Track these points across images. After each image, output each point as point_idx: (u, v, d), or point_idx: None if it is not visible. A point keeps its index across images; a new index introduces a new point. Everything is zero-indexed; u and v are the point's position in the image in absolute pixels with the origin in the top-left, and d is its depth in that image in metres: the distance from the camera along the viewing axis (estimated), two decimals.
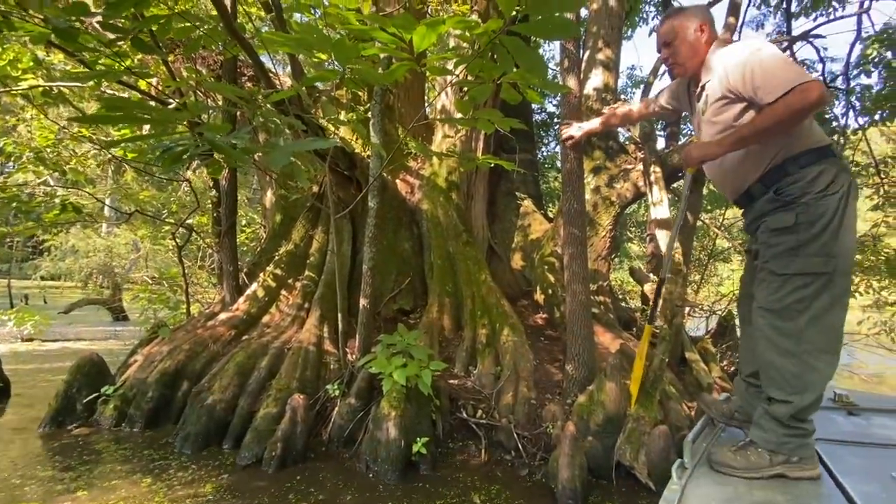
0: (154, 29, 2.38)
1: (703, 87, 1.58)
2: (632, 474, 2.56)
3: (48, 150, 4.05)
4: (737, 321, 4.41)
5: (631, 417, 2.67)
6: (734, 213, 7.52)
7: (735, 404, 1.75)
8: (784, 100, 1.29)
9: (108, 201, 8.82)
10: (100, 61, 2.92)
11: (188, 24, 2.48)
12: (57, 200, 4.09)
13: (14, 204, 3.59)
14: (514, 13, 1.44)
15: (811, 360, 1.35)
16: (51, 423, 3.12)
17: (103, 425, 3.16)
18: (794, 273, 1.36)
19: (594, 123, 2.42)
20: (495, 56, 1.80)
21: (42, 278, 17.43)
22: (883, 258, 6.88)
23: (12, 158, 5.09)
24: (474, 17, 4.60)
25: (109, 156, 4.11)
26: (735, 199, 1.61)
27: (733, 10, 3.87)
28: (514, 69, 1.83)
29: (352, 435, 2.94)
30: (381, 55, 2.51)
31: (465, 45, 4.68)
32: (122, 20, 2.49)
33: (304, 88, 3.02)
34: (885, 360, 7.12)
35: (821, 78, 7.84)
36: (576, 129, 2.65)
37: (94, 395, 3.25)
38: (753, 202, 1.51)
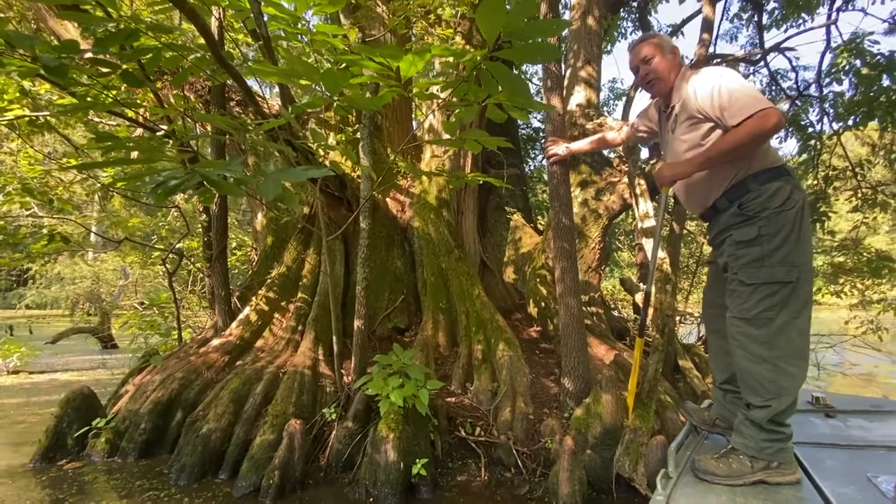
0: (144, 61, 2.40)
1: (672, 108, 1.70)
2: (632, 486, 2.57)
3: (35, 179, 4.03)
4: None
5: (628, 429, 2.69)
6: None
7: (715, 411, 1.80)
8: (746, 124, 1.41)
9: (94, 227, 8.73)
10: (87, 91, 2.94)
11: (176, 55, 2.52)
12: (45, 230, 4.05)
13: (1, 237, 3.55)
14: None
15: (784, 365, 1.43)
16: (41, 459, 3.05)
17: (95, 459, 3.09)
18: (761, 282, 1.45)
19: (582, 145, 2.50)
20: (480, 80, 1.87)
21: (27, 307, 17.09)
22: (865, 258, 7.05)
23: None
24: (458, 38, 4.71)
25: (99, 184, 4.09)
26: (701, 214, 1.71)
27: (707, 26, 4.02)
28: (499, 90, 1.90)
29: (350, 459, 2.91)
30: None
31: (450, 69, 4.79)
32: (112, 53, 2.52)
33: (293, 115, 3.06)
34: (875, 360, 7.23)
35: (795, 86, 8.13)
36: (561, 148, 2.72)
37: (85, 429, 3.19)
38: (718, 216, 1.61)
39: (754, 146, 1.45)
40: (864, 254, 7.17)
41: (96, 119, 5.65)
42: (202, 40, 2.81)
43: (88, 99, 2.95)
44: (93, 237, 9.59)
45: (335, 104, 2.37)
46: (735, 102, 1.44)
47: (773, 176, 1.48)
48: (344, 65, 2.37)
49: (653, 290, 2.55)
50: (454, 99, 2.07)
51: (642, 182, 3.75)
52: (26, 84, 4.56)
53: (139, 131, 4.86)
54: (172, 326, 5.15)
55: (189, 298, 7.24)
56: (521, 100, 1.93)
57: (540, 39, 1.62)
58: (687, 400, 3.46)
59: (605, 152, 4.88)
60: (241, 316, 4.13)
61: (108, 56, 2.47)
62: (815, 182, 7.74)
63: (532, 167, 10.36)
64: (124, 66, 2.40)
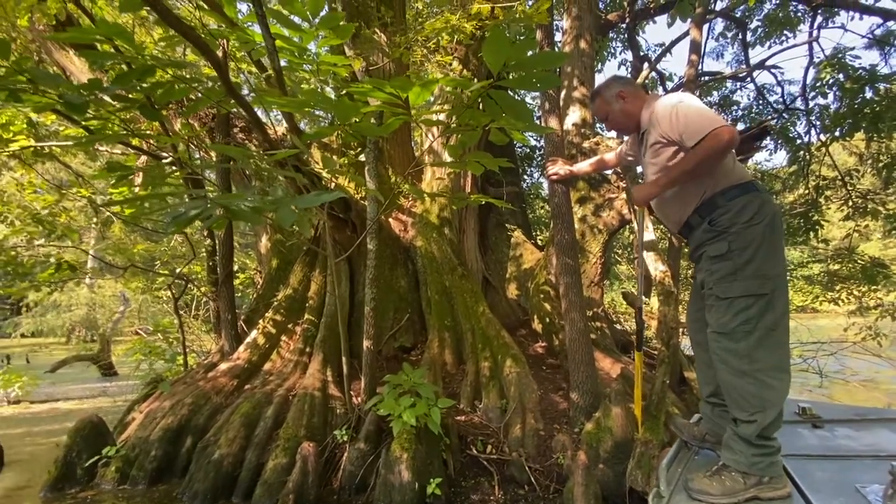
0: (159, 93, 2.49)
1: (643, 135, 1.82)
2: (645, 499, 2.58)
3: (44, 209, 4.09)
4: None
5: (639, 442, 2.71)
6: None
7: (705, 426, 1.82)
8: (701, 144, 1.51)
9: (91, 253, 8.73)
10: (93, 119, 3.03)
11: (187, 87, 2.62)
12: (52, 259, 4.09)
13: (10, 267, 3.59)
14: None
15: (765, 378, 1.46)
16: (51, 489, 3.02)
17: (105, 488, 3.07)
18: (736, 296, 1.50)
19: (583, 166, 2.62)
20: (483, 106, 1.98)
21: (22, 336, 16.90)
22: (859, 265, 7.17)
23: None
24: (455, 63, 4.87)
25: (107, 213, 4.15)
26: (678, 230, 1.80)
27: (695, 48, 4.19)
28: (502, 115, 2.00)
29: (363, 481, 2.91)
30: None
31: (450, 94, 4.95)
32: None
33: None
34: (875, 365, 7.27)
35: (781, 100, 8.36)
36: (563, 169, 2.82)
37: (95, 458, 3.17)
38: (693, 232, 1.69)
39: (712, 163, 1.54)
40: (859, 261, 7.29)
41: (101, 148, 5.74)
42: (206, 69, 2.88)
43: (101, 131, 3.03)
44: (91, 262, 9.58)
45: (346, 133, 2.46)
46: (690, 125, 1.55)
47: (741, 191, 1.55)
48: (344, 91, 2.46)
49: (643, 305, 2.61)
50: (456, 124, 2.18)
51: None
52: (33, 116, 4.65)
53: (143, 158, 4.95)
54: (177, 352, 5.15)
55: (191, 323, 7.23)
56: (524, 124, 2.04)
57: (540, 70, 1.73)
58: (694, 411, 3.49)
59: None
60: (248, 339, 4.15)
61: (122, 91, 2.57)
62: (807, 191, 7.92)
63: (529, 184, 10.52)
64: (141, 101, 2.49)
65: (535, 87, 2.00)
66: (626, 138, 2.22)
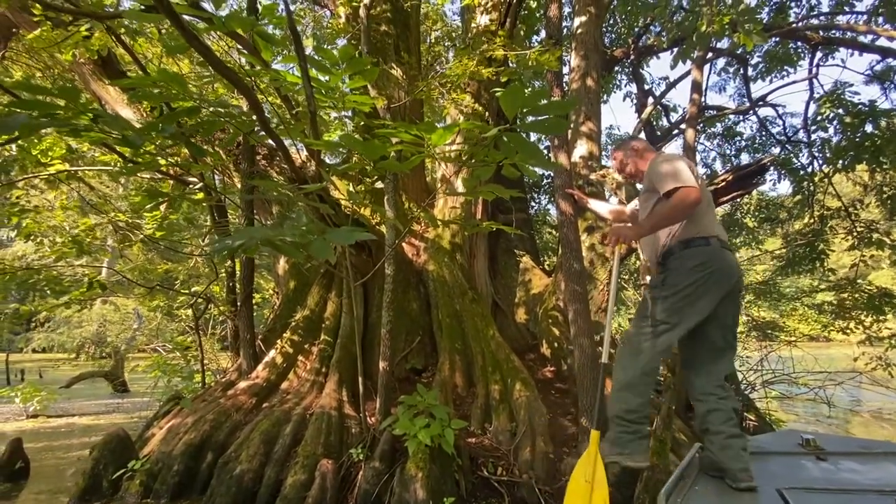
0: (203, 129, 2.72)
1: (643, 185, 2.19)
2: None
3: (82, 231, 4.34)
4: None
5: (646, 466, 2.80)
6: None
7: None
8: (669, 200, 1.86)
9: (104, 270, 8.98)
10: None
11: (223, 120, 2.86)
12: (86, 278, 4.31)
13: (49, 286, 3.80)
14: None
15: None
16: (78, 501, 3.15)
17: (129, 500, 3.19)
18: (648, 315, 1.90)
19: (601, 211, 2.88)
20: (498, 145, 2.20)
21: (34, 350, 17.11)
22: (865, 295, 7.19)
23: (31, 238, 5.37)
24: (468, 99, 5.15)
25: (142, 235, 4.39)
26: (657, 268, 2.13)
27: (696, 87, 4.43)
28: (515, 153, 2.22)
29: (378, 499, 3.01)
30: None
31: (465, 131, 5.21)
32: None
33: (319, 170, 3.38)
34: (888, 397, 7.19)
35: (783, 132, 8.58)
36: (581, 198, 3.07)
37: (121, 471, 3.30)
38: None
39: (678, 215, 1.86)
40: (865, 290, 7.33)
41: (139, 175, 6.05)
42: (234, 100, 3.11)
43: (144, 160, 3.28)
44: (103, 274, 9.82)
45: (371, 169, 2.68)
46: (662, 182, 1.91)
47: (695, 244, 1.88)
48: (363, 123, 2.66)
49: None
50: (472, 159, 2.40)
51: None
52: (73, 143, 4.97)
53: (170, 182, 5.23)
54: (195, 370, 5.30)
55: (205, 342, 7.38)
56: (536, 161, 2.25)
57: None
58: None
59: (608, 196, 5.19)
60: (266, 358, 4.30)
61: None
62: (812, 221, 8.04)
63: (536, 211, 10.73)
64: (181, 136, 2.73)
65: (546, 131, 2.22)
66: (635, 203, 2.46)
